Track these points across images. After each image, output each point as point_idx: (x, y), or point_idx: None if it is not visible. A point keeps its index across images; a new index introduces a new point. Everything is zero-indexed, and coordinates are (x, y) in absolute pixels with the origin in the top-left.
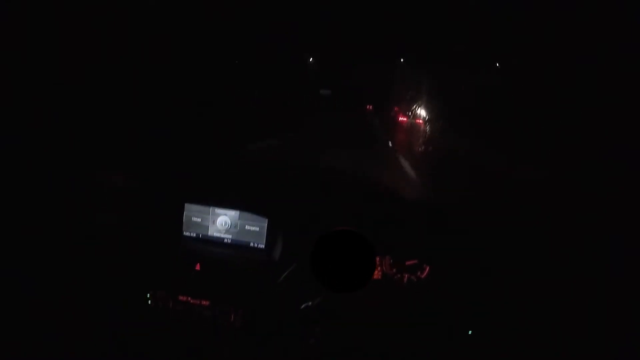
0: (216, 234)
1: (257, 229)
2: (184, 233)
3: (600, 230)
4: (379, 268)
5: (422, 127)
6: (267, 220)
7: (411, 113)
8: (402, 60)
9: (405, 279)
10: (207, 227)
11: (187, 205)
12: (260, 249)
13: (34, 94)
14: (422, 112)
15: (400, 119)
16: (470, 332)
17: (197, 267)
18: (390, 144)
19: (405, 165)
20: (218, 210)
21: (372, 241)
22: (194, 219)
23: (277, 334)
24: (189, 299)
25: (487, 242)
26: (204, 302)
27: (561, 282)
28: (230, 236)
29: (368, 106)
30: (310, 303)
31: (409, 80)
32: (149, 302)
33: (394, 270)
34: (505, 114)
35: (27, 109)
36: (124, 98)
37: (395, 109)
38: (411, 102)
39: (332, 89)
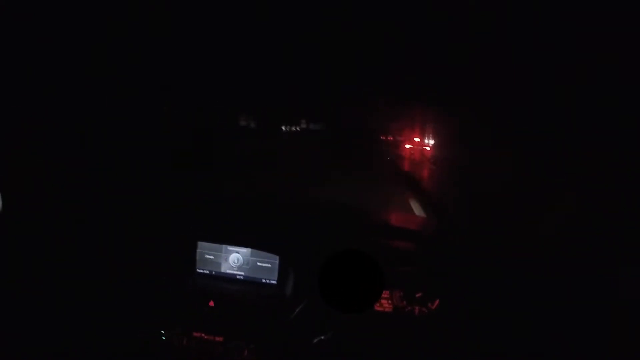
0: (229, 271)
1: (269, 265)
2: (197, 270)
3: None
4: (389, 301)
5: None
6: (278, 257)
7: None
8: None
9: (417, 311)
10: (220, 264)
11: (199, 244)
12: (273, 285)
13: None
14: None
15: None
16: None
17: (211, 303)
18: None
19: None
20: (230, 248)
21: (378, 262)
22: (207, 256)
23: None
24: (203, 335)
25: (498, 273)
26: (217, 338)
27: (574, 312)
28: (242, 273)
29: None
30: (323, 337)
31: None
32: (164, 337)
33: (405, 302)
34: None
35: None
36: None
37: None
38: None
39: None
